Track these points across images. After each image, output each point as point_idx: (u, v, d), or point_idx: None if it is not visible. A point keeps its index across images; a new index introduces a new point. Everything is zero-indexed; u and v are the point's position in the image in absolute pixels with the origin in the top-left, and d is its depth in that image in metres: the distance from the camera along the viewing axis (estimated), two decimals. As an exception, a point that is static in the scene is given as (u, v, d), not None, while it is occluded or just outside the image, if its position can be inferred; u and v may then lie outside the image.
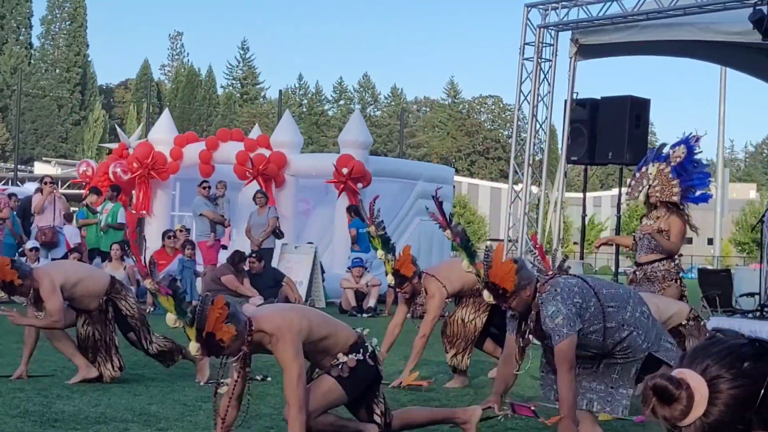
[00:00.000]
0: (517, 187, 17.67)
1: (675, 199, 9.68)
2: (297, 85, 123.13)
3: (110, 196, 21.46)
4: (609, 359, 6.88)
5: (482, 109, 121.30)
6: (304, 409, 6.35)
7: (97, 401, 8.56)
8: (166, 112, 26.09)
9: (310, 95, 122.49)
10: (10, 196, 20.87)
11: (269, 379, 9.65)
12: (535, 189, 17.59)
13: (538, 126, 17.44)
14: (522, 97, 17.43)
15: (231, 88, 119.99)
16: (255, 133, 24.75)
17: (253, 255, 18.92)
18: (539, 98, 17.34)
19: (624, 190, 12.20)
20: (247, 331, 6.37)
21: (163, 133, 24.28)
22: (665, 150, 9.80)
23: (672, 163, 9.63)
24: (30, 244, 19.54)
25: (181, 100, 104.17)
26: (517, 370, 7.06)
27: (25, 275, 9.45)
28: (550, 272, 6.98)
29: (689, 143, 9.68)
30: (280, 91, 63.84)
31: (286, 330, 6.40)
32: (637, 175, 9.86)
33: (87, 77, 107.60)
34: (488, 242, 78.30)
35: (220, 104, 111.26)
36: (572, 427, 6.63)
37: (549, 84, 17.36)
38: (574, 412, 6.64)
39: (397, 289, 10.43)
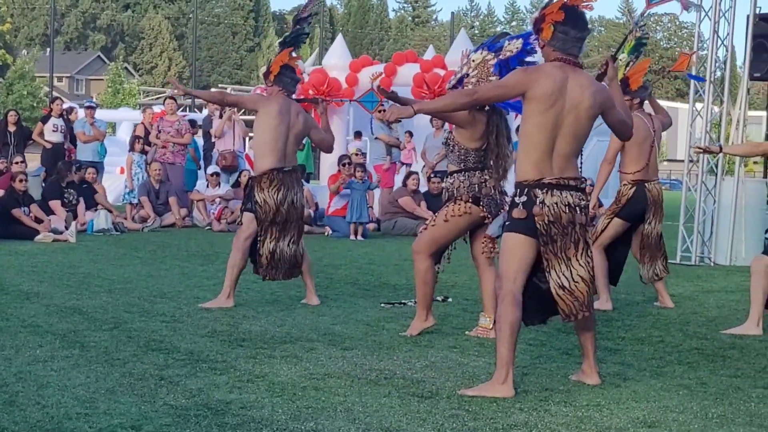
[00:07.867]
0: (698, 106, 17.25)
1: None
2: (468, 7, 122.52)
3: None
4: None
5: (658, 27, 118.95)
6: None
7: (282, 321, 8.69)
8: (339, 37, 25.93)
9: (482, 17, 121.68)
10: (191, 122, 21.27)
11: (450, 300, 9.72)
12: (716, 108, 17.11)
13: (719, 42, 16.96)
14: (703, 13, 16.96)
15: (402, 11, 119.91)
16: (430, 54, 24.56)
17: (436, 176, 18.88)
18: (720, 14, 16.85)
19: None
20: None
21: (337, 59, 24.12)
22: (502, 40, 8.47)
23: (500, 56, 8.30)
24: (210, 169, 19.88)
25: (353, 25, 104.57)
26: None
27: None
28: None
29: (527, 40, 8.27)
30: (452, 13, 63.31)
31: None
32: (464, 59, 8.54)
33: (260, 4, 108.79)
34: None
35: (392, 28, 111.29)
36: None
37: (731, -1, 16.86)
38: None
39: None
